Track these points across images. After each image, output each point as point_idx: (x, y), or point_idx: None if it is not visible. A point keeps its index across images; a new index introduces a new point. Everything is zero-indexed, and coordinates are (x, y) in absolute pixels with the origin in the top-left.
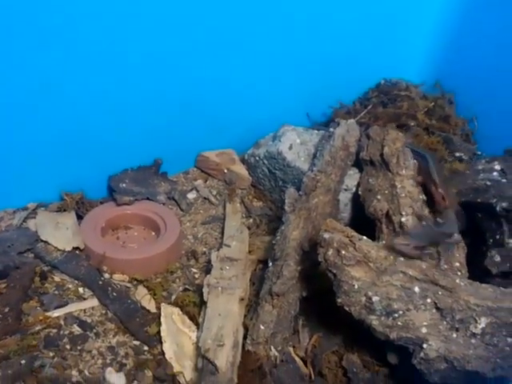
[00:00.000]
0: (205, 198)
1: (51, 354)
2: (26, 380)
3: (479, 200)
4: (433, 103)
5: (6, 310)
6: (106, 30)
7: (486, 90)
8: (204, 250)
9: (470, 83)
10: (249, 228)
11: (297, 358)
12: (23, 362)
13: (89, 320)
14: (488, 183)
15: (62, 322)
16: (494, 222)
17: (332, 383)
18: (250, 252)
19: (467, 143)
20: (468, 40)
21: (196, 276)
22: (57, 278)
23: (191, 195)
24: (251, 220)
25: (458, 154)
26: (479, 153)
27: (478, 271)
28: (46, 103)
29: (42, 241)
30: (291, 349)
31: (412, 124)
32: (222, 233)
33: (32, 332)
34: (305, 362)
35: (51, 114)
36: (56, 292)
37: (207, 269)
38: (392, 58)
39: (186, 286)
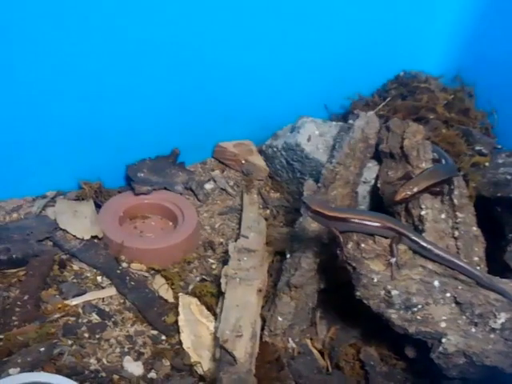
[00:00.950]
0: (222, 189)
1: (70, 342)
2: (45, 367)
3: (499, 194)
4: (452, 96)
5: (25, 297)
6: (125, 18)
7: (506, 83)
8: (221, 240)
9: (491, 76)
10: (266, 219)
11: (314, 350)
12: (42, 349)
13: (107, 309)
14: (508, 177)
15: (80, 311)
16: None
17: (349, 376)
18: (267, 243)
19: (487, 137)
20: (489, 33)
21: (213, 266)
22: (75, 267)
23: (208, 186)
24: (268, 211)
25: (477, 148)
26: (499, 146)
27: (497, 266)
28: (65, 92)
29: (60, 229)
30: (309, 341)
31: (431, 117)
32: (239, 224)
33: (51, 320)
34: (322, 355)
35: (71, 103)
36: (74, 280)
37: (224, 259)
38: (412, 49)
39: (204, 277)
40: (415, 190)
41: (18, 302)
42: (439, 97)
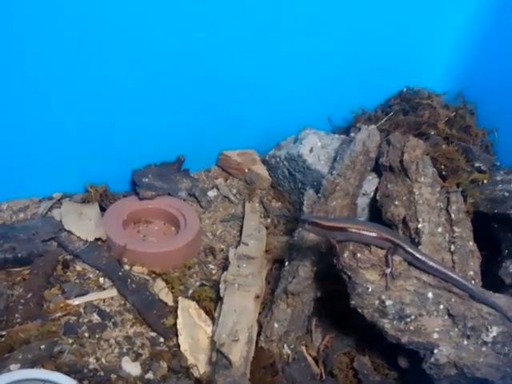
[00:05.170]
0: (225, 197)
1: (70, 341)
2: (45, 364)
3: (496, 210)
4: (454, 113)
5: (29, 295)
6: (133, 28)
7: (507, 102)
8: (222, 247)
9: (492, 95)
10: (266, 228)
11: (309, 357)
12: (43, 346)
13: (108, 309)
14: (506, 194)
15: (81, 310)
16: (510, 232)
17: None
18: (266, 251)
19: (486, 154)
20: (491, 52)
21: (213, 272)
22: (78, 267)
23: (212, 193)
24: (269, 220)
25: (477, 164)
26: (498, 164)
27: (492, 281)
28: (73, 98)
29: (65, 230)
30: (304, 348)
31: (432, 133)
32: (241, 231)
33: (52, 318)
34: (316, 362)
35: (78, 107)
36: (77, 281)
37: (224, 265)
38: (415, 66)
39: (203, 282)
40: None
41: (22, 300)
42: (441, 113)
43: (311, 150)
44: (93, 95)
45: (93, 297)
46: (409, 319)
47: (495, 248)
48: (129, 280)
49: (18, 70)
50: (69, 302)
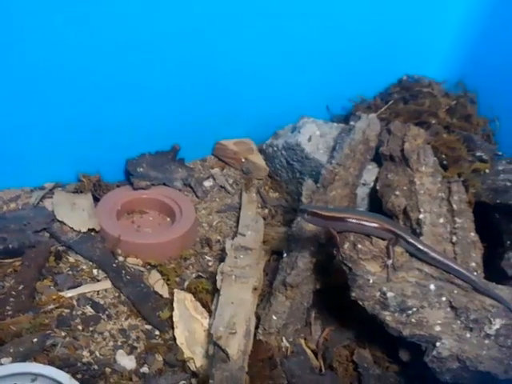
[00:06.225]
0: (221, 187)
1: (63, 334)
2: (37, 358)
3: (498, 201)
4: (455, 102)
5: (20, 287)
6: (129, 15)
7: (508, 90)
8: (218, 238)
9: (493, 83)
10: (264, 218)
11: (308, 350)
12: (35, 340)
13: (101, 302)
14: (508, 184)
15: (74, 303)
16: None
17: (342, 377)
18: (264, 242)
19: (488, 143)
20: (492, 39)
21: (209, 263)
22: (71, 259)
23: (207, 183)
24: (266, 210)
25: (478, 154)
26: (500, 153)
27: (494, 272)
28: (66, 85)
29: (58, 221)
30: (302, 341)
31: (433, 122)
32: (237, 222)
33: (45, 311)
34: (315, 355)
35: (71, 95)
36: (70, 272)
37: (221, 257)
38: (415, 54)
39: (199, 273)
40: None
41: (13, 292)
42: (441, 102)
43: (310, 139)
44: (86, 83)
45: (86, 289)
46: (410, 311)
47: (497, 239)
48: (123, 272)
49: (8, 59)
50: (61, 294)
